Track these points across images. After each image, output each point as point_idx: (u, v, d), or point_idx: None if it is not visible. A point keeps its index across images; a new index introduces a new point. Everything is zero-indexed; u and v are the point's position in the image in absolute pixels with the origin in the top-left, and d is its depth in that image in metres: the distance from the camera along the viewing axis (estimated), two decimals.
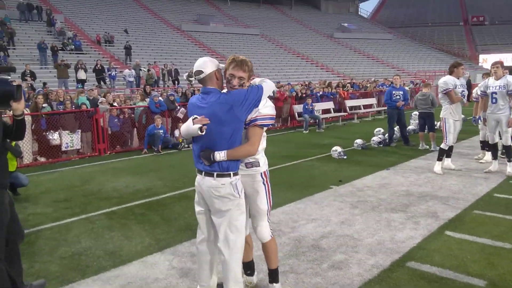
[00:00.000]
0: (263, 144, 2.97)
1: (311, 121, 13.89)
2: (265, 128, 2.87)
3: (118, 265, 3.82)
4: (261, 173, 2.98)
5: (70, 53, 22.74)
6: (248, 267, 3.33)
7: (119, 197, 6.20)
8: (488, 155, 7.63)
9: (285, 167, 7.92)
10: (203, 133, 2.69)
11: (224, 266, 2.85)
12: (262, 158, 3.00)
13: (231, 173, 2.77)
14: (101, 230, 4.77)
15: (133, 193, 6.40)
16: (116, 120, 10.45)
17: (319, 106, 15.20)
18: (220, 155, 2.70)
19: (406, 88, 13.64)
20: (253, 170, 2.96)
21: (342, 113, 16.14)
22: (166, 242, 4.34)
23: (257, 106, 2.77)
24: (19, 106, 2.87)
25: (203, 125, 2.70)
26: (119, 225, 4.93)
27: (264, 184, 3.00)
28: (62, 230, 4.82)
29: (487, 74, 7.58)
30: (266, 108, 2.81)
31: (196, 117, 2.75)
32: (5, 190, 2.96)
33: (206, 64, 2.81)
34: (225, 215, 2.78)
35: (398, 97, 9.96)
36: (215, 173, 2.75)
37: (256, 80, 2.97)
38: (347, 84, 19.49)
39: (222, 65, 2.89)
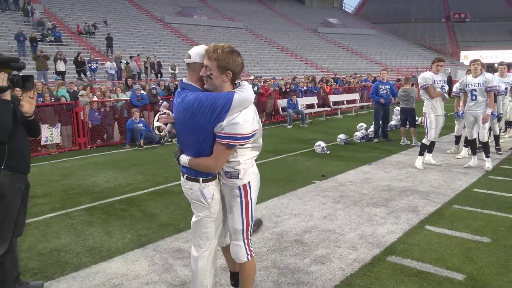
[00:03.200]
0: (247, 154, 2.52)
1: (295, 116, 13.92)
2: (233, 147, 2.40)
3: (98, 261, 3.76)
4: (240, 187, 2.53)
5: (50, 44, 22.19)
6: (234, 278, 2.98)
7: (99, 192, 6.10)
8: (464, 151, 7.79)
9: (268, 161, 7.92)
10: (162, 134, 2.56)
11: (192, 273, 2.73)
12: (243, 170, 2.52)
13: (200, 179, 2.51)
14: (81, 226, 4.68)
15: (114, 188, 6.31)
16: (96, 113, 10.26)
17: (303, 101, 15.25)
18: (183, 160, 2.49)
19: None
20: (231, 181, 2.54)
21: (326, 108, 16.23)
22: (147, 237, 4.28)
23: (222, 120, 2.30)
24: (29, 110, 2.95)
25: (167, 124, 2.52)
26: (100, 220, 4.85)
27: (241, 200, 2.55)
28: (41, 226, 4.72)
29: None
30: (237, 125, 2.30)
31: (164, 113, 2.56)
32: (20, 175, 2.98)
33: (198, 52, 2.43)
34: (198, 219, 2.60)
35: (385, 91, 10.04)
36: (185, 175, 2.56)
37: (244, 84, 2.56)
38: (331, 79, 19.59)
39: None
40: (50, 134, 9.41)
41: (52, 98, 9.92)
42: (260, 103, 14.72)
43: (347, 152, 8.81)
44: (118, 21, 29.93)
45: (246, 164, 2.53)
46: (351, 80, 20.31)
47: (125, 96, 11.82)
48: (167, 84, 13.84)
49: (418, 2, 58.41)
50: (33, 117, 3.05)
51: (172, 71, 21.39)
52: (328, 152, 8.61)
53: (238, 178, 2.52)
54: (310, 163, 7.72)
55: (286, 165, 7.67)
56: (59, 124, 9.60)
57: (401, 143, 9.49)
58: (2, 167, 2.85)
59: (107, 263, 3.73)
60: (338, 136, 9.92)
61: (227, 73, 2.35)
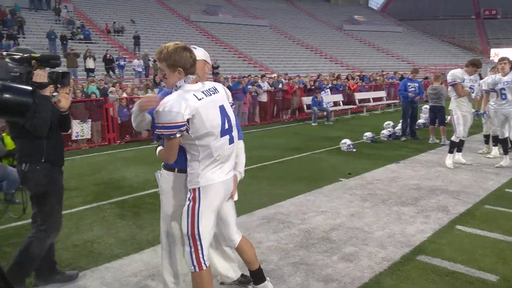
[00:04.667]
0: (195, 155, 2.43)
1: (319, 114, 13.84)
2: (173, 138, 2.34)
3: (130, 252, 3.87)
4: (190, 190, 2.47)
5: (80, 43, 22.78)
6: (253, 276, 2.92)
7: (129, 186, 6.25)
8: (495, 150, 7.58)
9: (293, 159, 7.91)
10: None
11: None
12: (191, 174, 2.45)
13: (162, 164, 2.66)
14: (113, 219, 4.81)
15: (143, 182, 6.44)
16: (125, 110, 10.49)
17: (328, 99, 15.13)
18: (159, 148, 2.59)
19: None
20: (187, 181, 2.52)
21: (351, 106, 16.06)
22: None
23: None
24: (65, 105, 3.08)
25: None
26: (131, 213, 4.97)
27: (188, 204, 2.46)
28: (74, 218, 4.88)
29: (495, 69, 7.50)
30: (158, 113, 2.30)
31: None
32: (58, 167, 3.14)
33: (200, 49, 2.66)
34: None
35: (413, 89, 9.86)
36: None
37: (207, 84, 2.53)
38: (356, 77, 19.36)
39: (208, 64, 2.73)
40: (81, 129, 9.69)
41: (83, 95, 10.20)
42: (285, 101, 14.72)
43: (374, 150, 8.71)
44: (145, 20, 30.41)
45: (195, 168, 2.44)
46: (378, 78, 20.01)
47: (152, 93, 12.02)
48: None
49: None
50: (67, 112, 3.17)
51: None
52: (354, 150, 8.53)
53: (186, 180, 2.50)
54: (335, 161, 7.68)
55: (311, 162, 7.64)
56: (90, 120, 9.87)
57: (429, 141, 9.31)
58: (43, 160, 2.98)
59: (138, 254, 3.83)
60: (364, 134, 9.82)
61: (178, 70, 2.38)
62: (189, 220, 2.45)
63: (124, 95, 11.05)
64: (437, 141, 9.23)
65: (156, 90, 12.15)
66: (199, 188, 2.45)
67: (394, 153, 8.30)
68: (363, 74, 21.79)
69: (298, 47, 34.53)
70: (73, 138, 9.70)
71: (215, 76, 17.64)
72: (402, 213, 4.76)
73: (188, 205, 2.46)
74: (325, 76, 19.06)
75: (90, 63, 18.72)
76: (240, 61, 28.62)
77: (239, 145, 2.80)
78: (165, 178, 2.64)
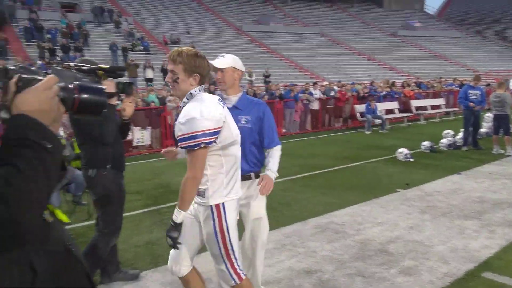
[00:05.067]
0: (216, 166, 2.27)
1: (373, 122, 13.51)
2: (204, 147, 2.16)
3: None
4: (212, 206, 2.29)
5: (139, 54, 23.96)
6: None
7: None
8: None
9: (347, 168, 7.78)
10: None
11: None
12: (212, 187, 2.28)
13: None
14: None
15: None
16: None
17: (382, 106, 14.74)
18: None
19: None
20: (201, 200, 2.34)
21: (408, 114, 15.52)
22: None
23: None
24: (129, 113, 3.25)
25: None
26: None
27: (214, 223, 2.30)
28: (135, 220, 5.12)
29: None
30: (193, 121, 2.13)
31: None
32: (120, 173, 3.32)
33: (229, 56, 2.72)
34: None
35: (474, 96, 9.35)
36: None
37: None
38: (412, 84, 18.70)
39: (242, 71, 2.78)
40: (141, 136, 10.17)
41: (143, 103, 10.72)
42: (337, 108, 14.53)
43: (433, 160, 8.35)
44: (199, 31, 31.40)
45: (217, 181, 2.28)
46: (435, 85, 19.21)
47: None
48: (245, 90, 14.21)
49: (509, 0, 53.55)
50: (129, 120, 3.33)
51: (250, 78, 21.92)
52: (412, 159, 8.24)
53: (203, 196, 2.30)
54: (392, 171, 7.46)
55: (366, 172, 7.48)
56: (149, 127, 10.34)
57: (493, 152, 8.78)
58: (109, 166, 3.16)
59: (198, 258, 3.93)
60: (422, 143, 9.45)
61: (195, 76, 2.23)
62: (220, 240, 2.32)
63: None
64: (502, 151, 8.69)
65: None
66: (223, 203, 2.30)
67: (454, 163, 7.91)
68: (420, 80, 21.01)
69: (350, 54, 34.00)
70: (134, 144, 10.19)
71: (266, 85, 17.81)
72: (465, 227, 4.53)
73: (214, 225, 2.30)
74: (379, 83, 18.61)
75: (149, 73, 19.62)
76: (291, 69, 28.67)
77: (276, 148, 2.90)
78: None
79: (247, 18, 37.59)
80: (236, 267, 2.40)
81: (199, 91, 2.26)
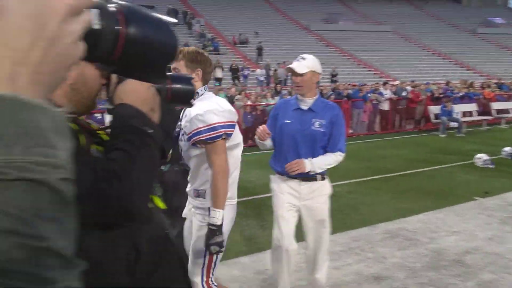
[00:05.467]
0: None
1: (448, 124, 12.75)
2: (224, 139, 2.13)
3: (254, 251, 4.08)
4: (210, 209, 2.18)
5: (210, 54, 24.72)
6: None
7: (252, 188, 6.59)
8: None
9: (419, 172, 7.42)
10: None
11: None
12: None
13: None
14: (238, 217, 5.06)
15: (264, 186, 6.69)
16: (249, 116, 11.07)
17: (459, 108, 13.85)
18: None
19: None
20: (200, 201, 2.25)
21: (487, 117, 14.44)
22: (299, 235, 4.46)
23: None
24: None
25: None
26: (254, 214, 5.24)
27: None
28: None
29: None
30: (211, 112, 2.11)
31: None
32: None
33: (309, 59, 2.67)
34: None
35: None
36: None
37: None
38: (493, 85, 17.35)
39: (320, 74, 2.74)
40: None
41: None
42: (409, 109, 13.91)
43: None
44: (267, 31, 31.69)
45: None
46: None
47: (273, 101, 12.47)
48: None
49: None
50: None
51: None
52: (492, 166, 7.67)
53: (205, 198, 2.20)
54: (469, 177, 7.00)
55: (440, 177, 7.10)
56: None
57: None
58: (181, 162, 3.29)
59: (262, 254, 4.02)
60: (504, 149, 8.75)
61: (197, 70, 2.17)
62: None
63: (249, 102, 11.68)
64: None
65: (277, 98, 12.59)
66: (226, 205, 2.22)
67: None
68: (502, 81, 19.43)
69: (424, 53, 32.35)
70: None
71: (333, 84, 17.54)
72: None
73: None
74: (456, 83, 17.51)
75: (219, 73, 20.22)
76: (360, 68, 27.95)
77: (337, 153, 2.77)
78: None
79: (315, 17, 37.23)
80: (210, 283, 2.27)
81: (205, 90, 2.22)
